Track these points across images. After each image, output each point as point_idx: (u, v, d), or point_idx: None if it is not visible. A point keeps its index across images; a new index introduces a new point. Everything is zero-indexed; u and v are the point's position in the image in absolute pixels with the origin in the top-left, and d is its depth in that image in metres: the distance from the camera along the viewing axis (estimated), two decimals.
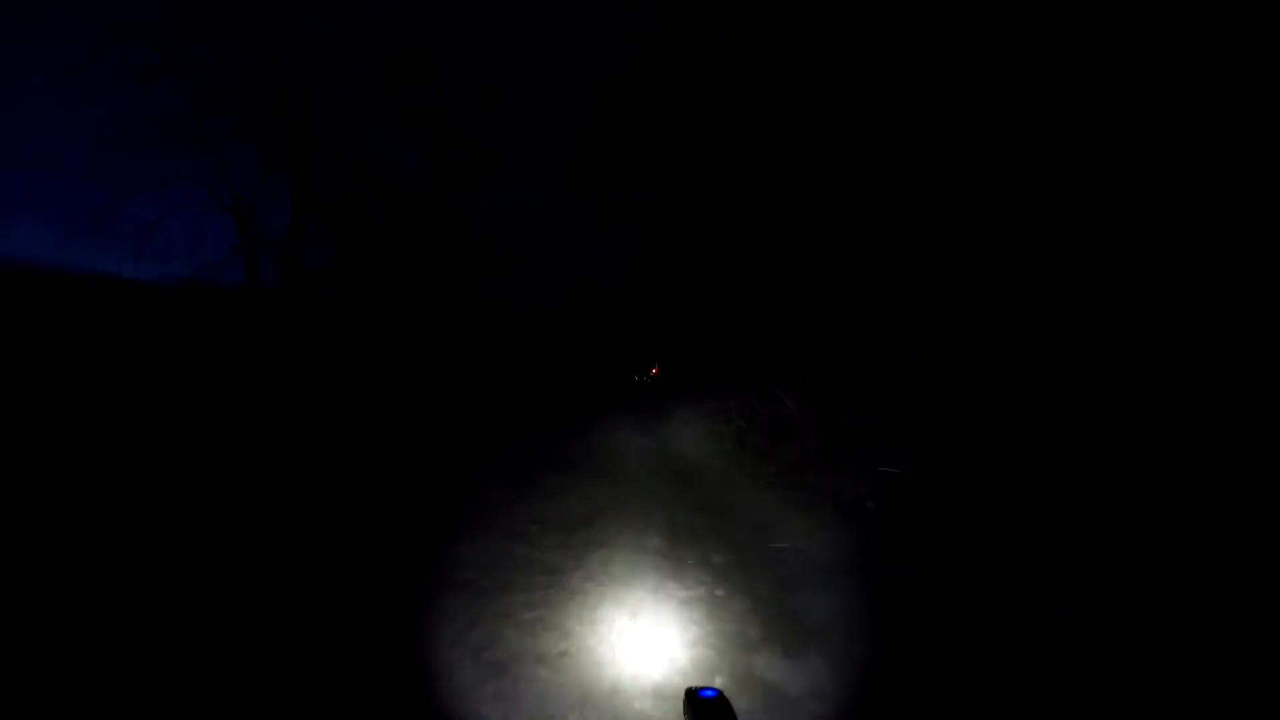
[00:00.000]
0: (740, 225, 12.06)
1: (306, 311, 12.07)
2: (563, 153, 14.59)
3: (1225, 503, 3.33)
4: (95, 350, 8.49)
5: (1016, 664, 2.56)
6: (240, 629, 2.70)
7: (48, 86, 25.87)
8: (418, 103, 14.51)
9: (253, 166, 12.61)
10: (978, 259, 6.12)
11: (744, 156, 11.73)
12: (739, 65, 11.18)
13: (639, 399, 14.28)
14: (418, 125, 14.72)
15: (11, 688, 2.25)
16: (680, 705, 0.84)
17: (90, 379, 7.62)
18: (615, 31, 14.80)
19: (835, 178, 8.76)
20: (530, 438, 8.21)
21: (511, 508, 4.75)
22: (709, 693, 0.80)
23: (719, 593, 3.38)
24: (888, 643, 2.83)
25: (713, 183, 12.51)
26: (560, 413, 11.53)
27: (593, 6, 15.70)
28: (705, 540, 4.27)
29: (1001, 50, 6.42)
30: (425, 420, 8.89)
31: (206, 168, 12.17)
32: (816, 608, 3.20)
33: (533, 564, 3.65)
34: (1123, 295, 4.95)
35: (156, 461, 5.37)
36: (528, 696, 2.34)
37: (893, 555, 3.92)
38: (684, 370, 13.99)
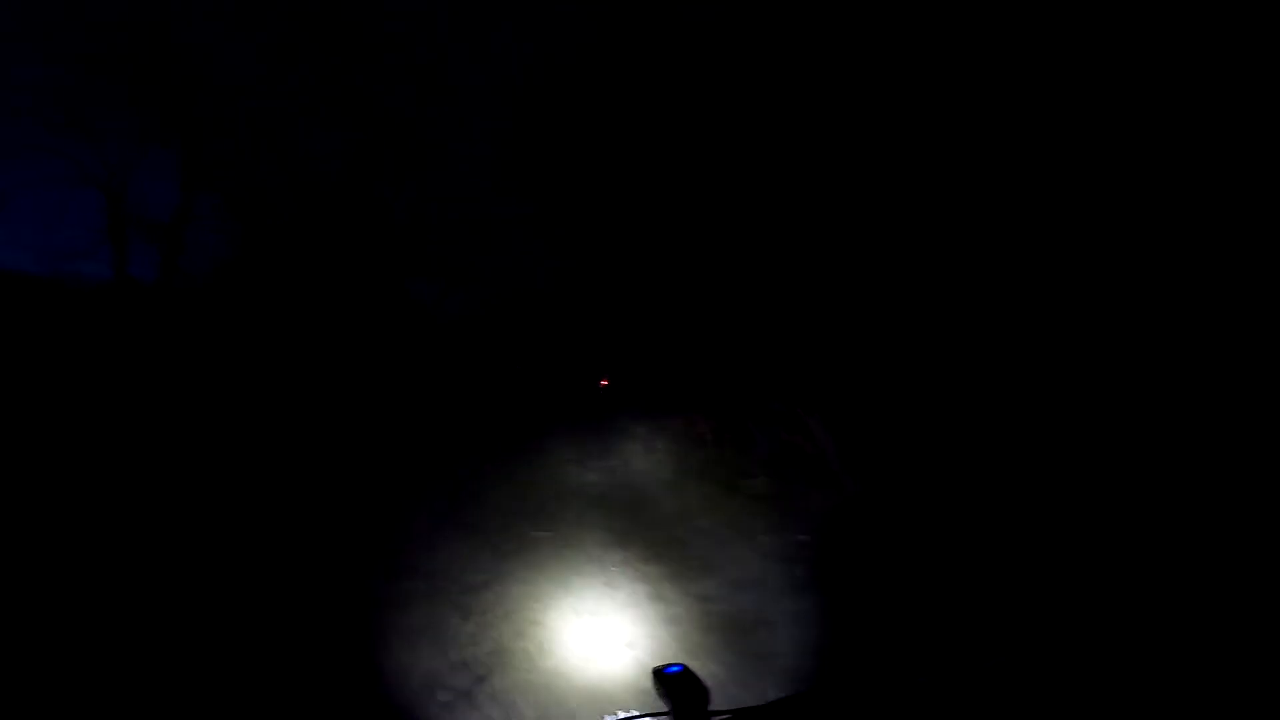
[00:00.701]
0: (703, 225, 11.10)
1: (188, 310, 10.23)
2: (504, 143, 13.25)
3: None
4: None
5: None
6: None
7: None
8: (336, 79, 12.86)
9: (129, 138, 10.63)
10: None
11: (708, 149, 10.82)
12: (705, 47, 9.99)
13: (587, 415, 12.73)
14: (336, 105, 13.05)
15: None
16: (652, 687, 0.85)
17: None
18: (568, 8, 13.57)
19: (806, 171, 7.99)
20: (440, 475, 6.69)
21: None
22: (675, 668, 0.83)
23: None
24: None
25: (672, 178, 11.53)
26: (491, 434, 10.09)
27: None
28: None
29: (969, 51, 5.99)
30: (313, 452, 7.30)
31: (73, 136, 10.21)
32: None
33: None
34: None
35: None
36: None
37: None
38: (638, 382, 12.83)
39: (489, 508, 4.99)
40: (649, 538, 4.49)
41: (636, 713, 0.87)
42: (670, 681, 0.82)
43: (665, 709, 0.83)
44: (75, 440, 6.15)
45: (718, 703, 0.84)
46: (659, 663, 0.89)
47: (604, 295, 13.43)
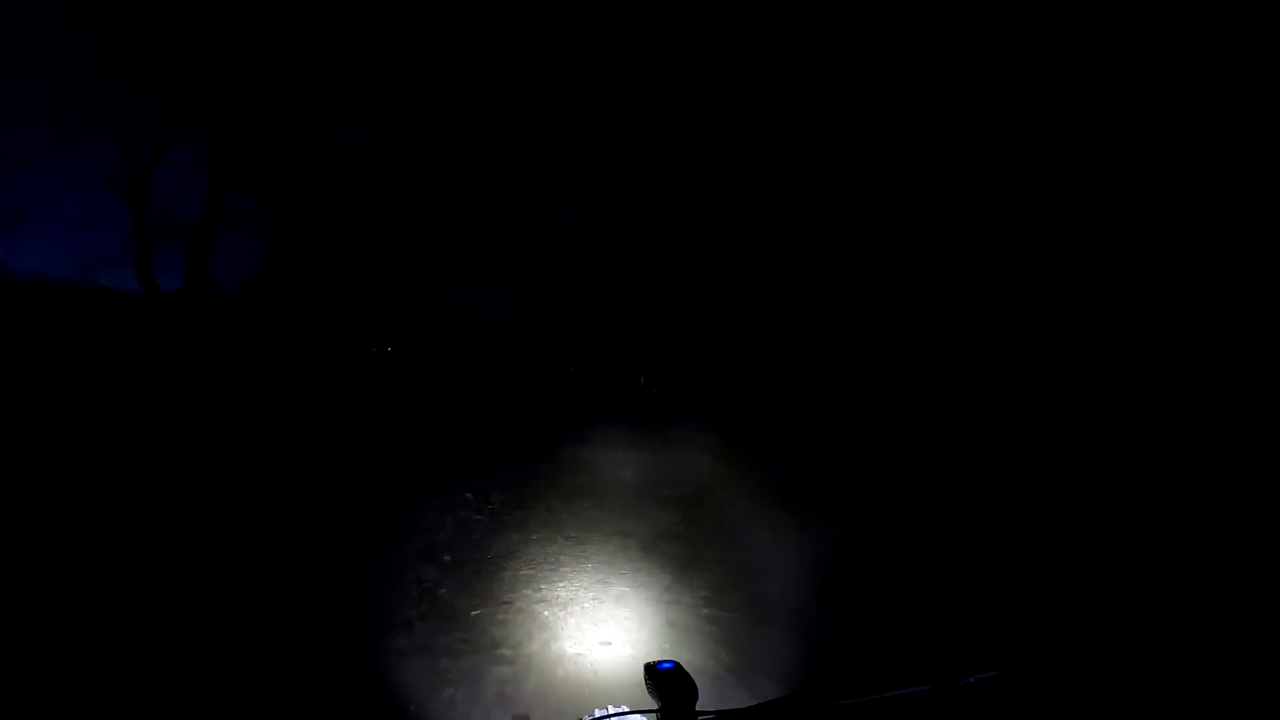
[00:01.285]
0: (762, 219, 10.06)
1: (219, 317, 9.43)
2: (550, 143, 12.30)
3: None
4: None
5: None
6: None
7: None
8: (375, 77, 12.15)
9: (157, 138, 9.99)
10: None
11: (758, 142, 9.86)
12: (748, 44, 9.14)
13: (642, 430, 9.68)
14: (377, 104, 12.33)
15: None
16: (643, 682, 0.84)
17: None
18: (611, 8, 12.67)
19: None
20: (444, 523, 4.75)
21: None
22: (667, 664, 0.82)
23: None
24: None
25: (727, 172, 10.47)
26: (523, 464, 6.94)
27: None
28: None
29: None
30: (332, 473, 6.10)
31: (99, 137, 9.64)
32: None
33: None
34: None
35: None
36: None
37: None
38: (704, 385, 11.51)
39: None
40: None
41: (626, 709, 0.88)
42: (661, 678, 0.81)
43: (654, 705, 0.82)
44: (80, 452, 5.22)
45: (706, 703, 0.82)
46: (652, 659, 0.86)
47: (659, 293, 12.29)
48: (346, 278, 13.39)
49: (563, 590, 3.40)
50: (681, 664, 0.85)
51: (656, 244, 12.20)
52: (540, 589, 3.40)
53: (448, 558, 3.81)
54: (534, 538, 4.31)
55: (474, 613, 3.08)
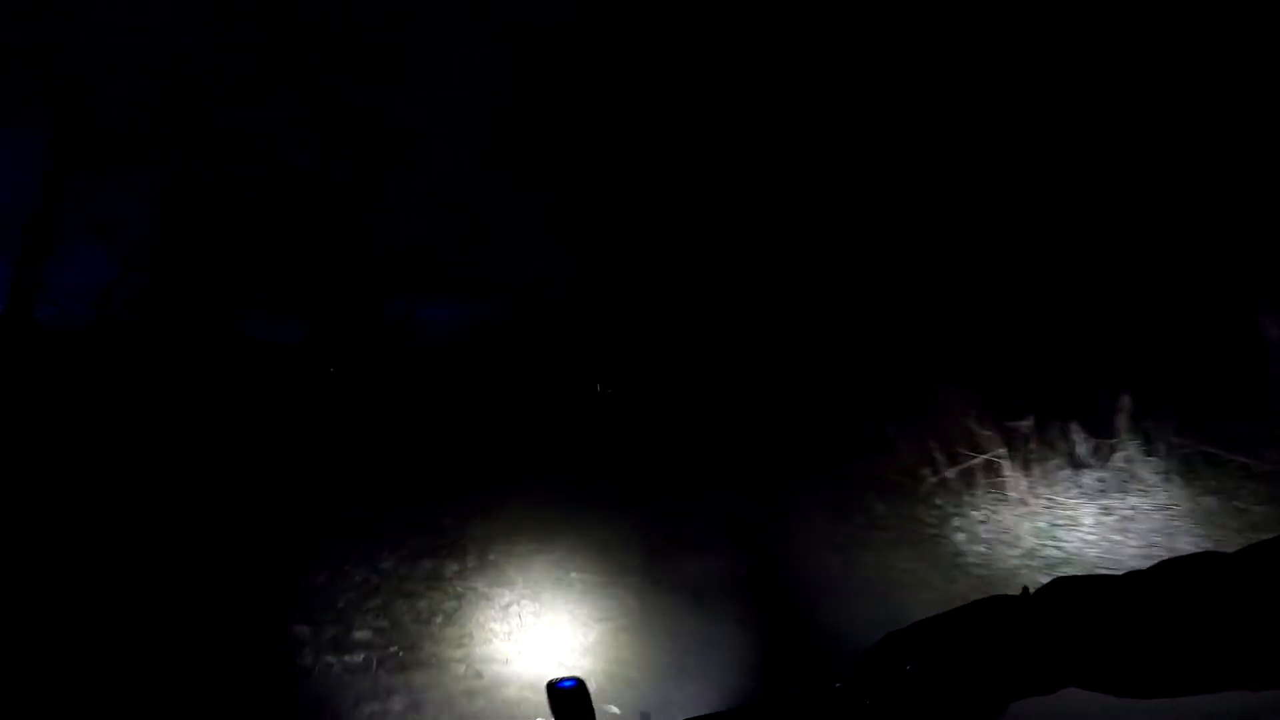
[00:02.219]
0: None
1: (57, 347, 7.43)
2: (497, 133, 11.07)
3: None
4: None
5: None
6: None
7: None
8: (288, 58, 10.36)
9: None
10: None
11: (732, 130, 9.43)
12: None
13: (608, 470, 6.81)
14: (291, 89, 10.54)
15: None
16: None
17: None
18: None
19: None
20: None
21: None
22: (568, 683, 0.75)
23: None
24: None
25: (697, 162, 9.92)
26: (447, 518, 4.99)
27: None
28: None
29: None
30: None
31: None
32: None
33: None
34: None
35: None
36: None
37: None
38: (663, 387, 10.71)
39: None
40: None
41: None
42: (559, 696, 0.74)
43: None
44: None
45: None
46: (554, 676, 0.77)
47: (617, 297, 11.39)
48: (249, 289, 11.35)
49: None
50: (583, 681, 0.75)
51: (611, 243, 11.37)
52: None
53: None
54: None
55: None
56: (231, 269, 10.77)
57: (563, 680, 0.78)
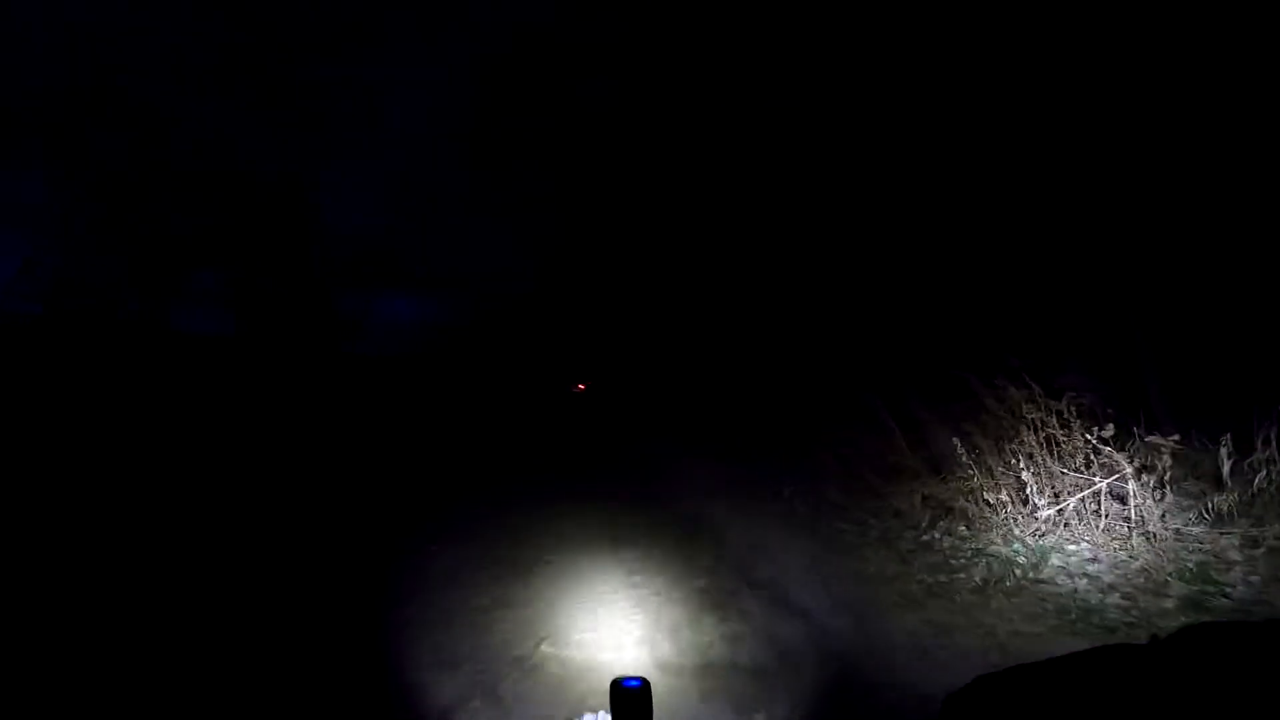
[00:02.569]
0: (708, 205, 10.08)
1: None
2: (459, 120, 10.88)
3: None
4: None
5: None
6: None
7: None
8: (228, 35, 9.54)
9: None
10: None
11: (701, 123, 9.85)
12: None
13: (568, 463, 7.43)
14: (234, 68, 9.68)
15: None
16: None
17: None
18: None
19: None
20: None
21: None
22: (633, 682, 0.79)
23: None
24: None
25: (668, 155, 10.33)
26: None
27: None
28: None
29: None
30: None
31: None
32: None
33: None
34: None
35: None
36: None
37: None
38: (640, 386, 11.17)
39: None
40: None
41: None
42: (623, 695, 0.77)
43: None
44: None
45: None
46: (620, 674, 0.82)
47: (589, 293, 11.61)
48: (178, 279, 10.28)
49: None
50: (647, 681, 0.80)
51: (577, 238, 11.56)
52: None
53: None
54: None
55: None
56: (158, 258, 9.77)
57: (628, 679, 0.80)
